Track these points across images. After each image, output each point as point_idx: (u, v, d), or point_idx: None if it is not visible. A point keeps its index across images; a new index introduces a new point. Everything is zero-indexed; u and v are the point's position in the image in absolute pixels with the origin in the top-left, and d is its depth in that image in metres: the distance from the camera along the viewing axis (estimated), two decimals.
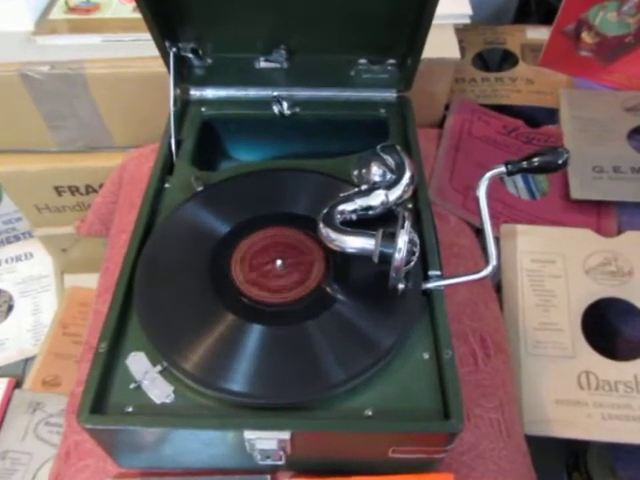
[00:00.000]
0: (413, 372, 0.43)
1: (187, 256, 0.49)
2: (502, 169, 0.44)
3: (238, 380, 0.41)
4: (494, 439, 0.50)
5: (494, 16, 1.04)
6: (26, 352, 0.94)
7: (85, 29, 0.73)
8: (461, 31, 0.75)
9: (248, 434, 0.38)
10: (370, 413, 0.40)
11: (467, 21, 0.75)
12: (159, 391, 0.41)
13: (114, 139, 0.79)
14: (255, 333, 0.44)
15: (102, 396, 0.41)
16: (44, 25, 0.73)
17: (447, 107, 0.80)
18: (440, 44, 0.70)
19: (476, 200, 0.44)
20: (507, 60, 0.96)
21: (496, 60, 0.98)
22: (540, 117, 0.83)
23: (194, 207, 0.53)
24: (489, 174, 0.44)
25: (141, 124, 0.76)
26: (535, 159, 0.43)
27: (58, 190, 0.84)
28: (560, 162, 0.43)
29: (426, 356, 0.43)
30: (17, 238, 1.06)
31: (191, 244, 0.50)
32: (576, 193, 0.69)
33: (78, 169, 0.81)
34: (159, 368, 0.42)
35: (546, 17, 0.94)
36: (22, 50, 0.71)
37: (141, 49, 0.69)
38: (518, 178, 0.76)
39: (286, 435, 0.38)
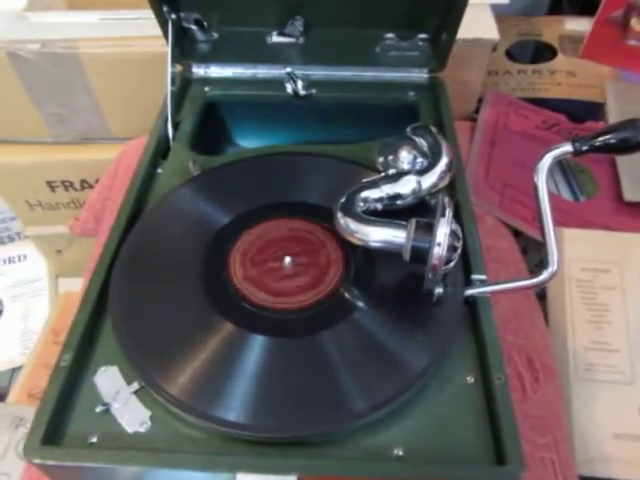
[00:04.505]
0: (454, 401, 0.35)
1: (177, 251, 0.42)
2: (568, 148, 0.35)
3: (232, 406, 0.33)
4: None
5: (524, 11, 0.97)
6: (13, 361, 0.88)
7: (82, 6, 0.68)
8: None
9: (242, 478, 0.30)
10: (400, 453, 0.33)
11: (506, 1, 0.68)
12: (132, 417, 0.33)
13: (112, 129, 0.74)
14: (256, 346, 0.36)
15: (59, 422, 0.33)
16: (37, 1, 0.68)
17: (479, 101, 0.74)
18: (476, 24, 0.64)
19: (534, 188, 0.36)
20: (541, 54, 0.89)
21: (527, 55, 0.92)
22: (582, 112, 0.76)
23: (189, 193, 0.46)
24: (551, 154, 0.35)
25: (142, 112, 0.69)
26: (610, 135, 0.34)
27: (51, 185, 0.79)
28: None
29: (470, 380, 0.36)
30: (11, 239, 1.03)
31: (182, 237, 0.43)
32: (630, 195, 0.62)
33: (72, 162, 0.76)
34: (135, 387, 0.35)
35: (582, 12, 0.89)
36: (12, 27, 0.65)
37: (143, 29, 0.63)
38: (560, 176, 0.69)
39: None
